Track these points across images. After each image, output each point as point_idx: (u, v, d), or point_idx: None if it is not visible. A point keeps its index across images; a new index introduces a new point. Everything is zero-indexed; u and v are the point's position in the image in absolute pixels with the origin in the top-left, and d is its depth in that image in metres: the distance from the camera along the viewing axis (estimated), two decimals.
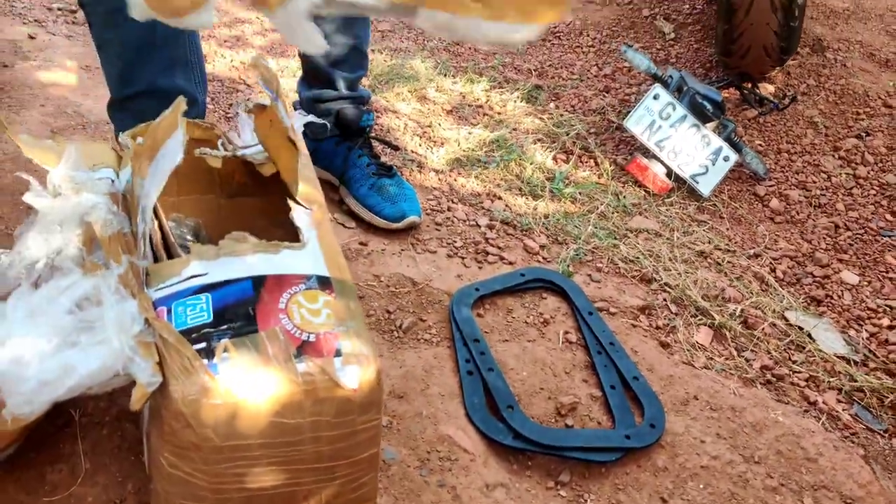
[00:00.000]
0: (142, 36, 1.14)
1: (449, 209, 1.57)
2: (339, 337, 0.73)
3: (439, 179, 1.67)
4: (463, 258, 1.44)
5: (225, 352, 0.69)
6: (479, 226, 1.54)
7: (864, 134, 1.94)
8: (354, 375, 0.72)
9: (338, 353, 0.72)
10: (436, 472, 0.99)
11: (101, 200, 0.82)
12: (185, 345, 0.68)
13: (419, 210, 1.46)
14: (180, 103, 0.80)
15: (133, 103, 1.18)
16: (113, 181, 0.87)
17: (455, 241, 1.48)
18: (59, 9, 2.34)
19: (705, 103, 1.71)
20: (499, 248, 1.46)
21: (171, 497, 0.75)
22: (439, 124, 1.86)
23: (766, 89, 2.08)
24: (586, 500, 1.01)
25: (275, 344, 0.70)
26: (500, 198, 1.62)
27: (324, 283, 0.78)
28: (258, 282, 0.75)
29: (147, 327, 0.69)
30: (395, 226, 1.43)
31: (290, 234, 0.82)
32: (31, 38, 2.01)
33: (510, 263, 1.42)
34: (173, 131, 0.77)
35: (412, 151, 1.74)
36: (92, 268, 0.76)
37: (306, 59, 1.45)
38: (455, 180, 1.67)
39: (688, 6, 2.45)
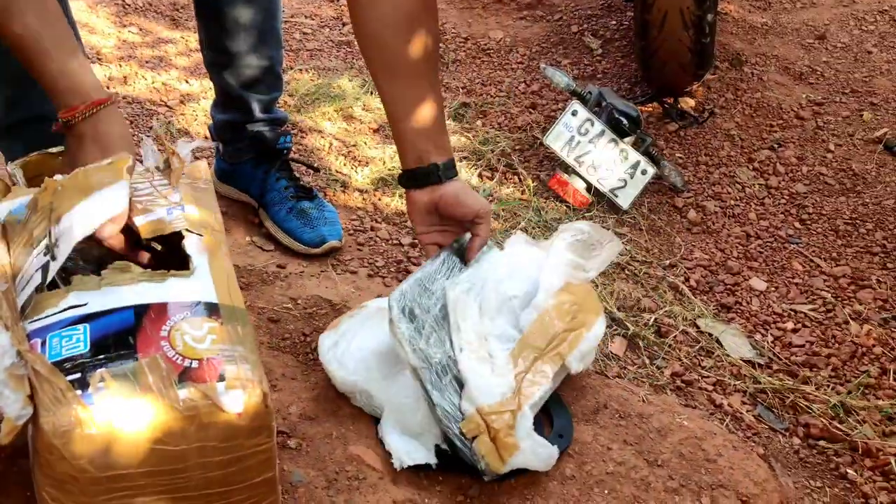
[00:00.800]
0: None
1: (372, 228, 1.59)
2: (224, 363, 0.74)
3: (363, 199, 1.69)
4: (384, 277, 1.46)
5: (101, 381, 0.69)
6: (402, 244, 1.56)
7: (776, 145, 2.02)
8: (239, 400, 0.73)
9: (221, 378, 0.73)
10: (343, 492, 1.00)
11: None
12: (57, 375, 0.68)
13: (339, 234, 1.48)
14: (127, 160, 0.81)
15: (22, 130, 1.17)
16: None
17: (377, 261, 1.50)
18: None
19: (622, 119, 1.76)
20: (420, 265, 1.48)
21: None
22: (365, 143, 1.88)
23: (687, 103, 2.16)
24: None
25: (155, 371, 0.71)
26: None
27: (211, 309, 0.79)
28: (140, 310, 0.75)
29: (19, 360, 0.69)
30: (314, 251, 1.44)
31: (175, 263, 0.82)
32: None
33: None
34: (116, 181, 0.78)
35: (336, 171, 1.76)
36: None
37: (219, 83, 1.46)
38: (379, 199, 1.70)
39: (614, 22, 2.53)
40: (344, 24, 2.48)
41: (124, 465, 0.70)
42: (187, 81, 2.06)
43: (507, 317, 1.18)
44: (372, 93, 2.06)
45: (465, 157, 1.88)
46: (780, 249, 1.71)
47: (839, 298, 1.57)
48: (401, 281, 1.43)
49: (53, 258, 0.76)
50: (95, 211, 0.78)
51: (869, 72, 2.30)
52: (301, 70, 2.18)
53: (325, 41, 2.37)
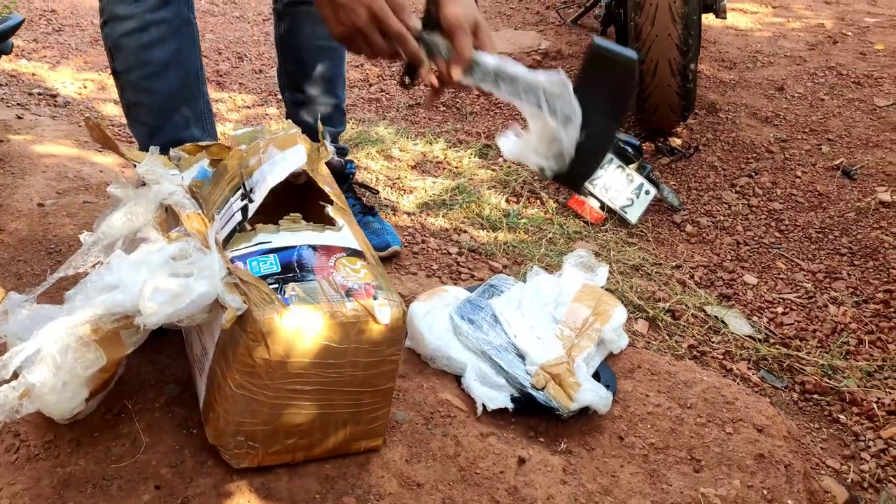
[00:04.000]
0: (167, 98, 1.40)
1: (423, 241, 1.86)
2: (374, 289, 0.97)
3: (411, 220, 1.97)
4: (440, 277, 1.72)
5: (293, 291, 0.91)
6: (450, 253, 1.83)
7: (753, 173, 2.36)
8: (387, 314, 0.95)
9: (374, 298, 0.95)
10: (439, 426, 1.23)
11: (177, 189, 1.04)
12: (262, 283, 0.90)
13: (399, 242, 1.75)
14: (296, 131, 1.04)
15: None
16: (182, 177, 1.10)
17: (432, 265, 1.76)
18: (39, 94, 2.57)
19: (627, 147, 2.09)
20: (469, 268, 1.75)
21: (231, 416, 0.93)
22: (406, 177, 2.17)
23: (675, 142, 2.50)
24: (560, 442, 1.26)
25: (330, 288, 0.93)
26: (465, 231, 1.93)
27: (358, 254, 1.02)
28: (312, 248, 0.98)
29: (230, 275, 0.90)
30: (381, 254, 1.70)
31: (321, 222, 1.07)
32: (19, 118, 2.19)
33: (480, 280, 1.71)
34: (294, 145, 1.01)
35: (385, 198, 2.04)
36: (175, 237, 0.95)
37: (296, 119, 1.74)
38: (425, 219, 1.97)
39: None
40: (371, 85, 2.82)
41: (304, 354, 0.91)
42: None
43: (545, 316, 1.46)
44: (406, 137, 2.37)
45: (493, 186, 2.17)
46: (766, 253, 2.01)
47: (818, 288, 1.86)
48: (453, 281, 1.70)
49: (251, 201, 0.99)
50: (283, 165, 1.01)
51: (823, 115, 2.69)
52: None
53: (357, 98, 2.69)
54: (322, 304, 0.92)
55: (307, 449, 1.01)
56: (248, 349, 0.90)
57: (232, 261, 0.95)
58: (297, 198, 1.24)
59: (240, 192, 1.02)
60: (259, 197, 0.99)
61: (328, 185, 1.17)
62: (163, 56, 1.33)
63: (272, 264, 0.96)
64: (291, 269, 0.95)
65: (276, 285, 0.92)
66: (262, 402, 0.93)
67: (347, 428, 1.02)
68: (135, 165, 1.10)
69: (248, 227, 1.01)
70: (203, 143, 1.23)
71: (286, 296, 0.91)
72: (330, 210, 1.09)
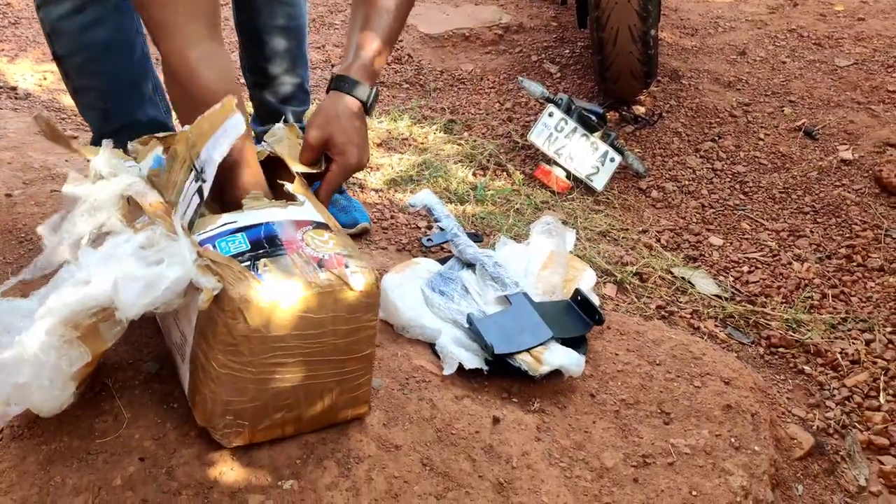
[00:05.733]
0: (114, 80, 1.38)
1: (392, 217, 1.86)
2: (345, 258, 0.99)
3: (379, 196, 1.97)
4: (410, 251, 1.72)
5: (265, 266, 0.92)
6: (419, 227, 1.84)
7: (717, 138, 2.39)
8: (360, 281, 0.96)
9: (346, 266, 0.97)
10: (415, 391, 1.25)
11: (137, 179, 1.03)
12: (234, 262, 0.91)
13: (368, 218, 1.75)
14: (233, 100, 1.01)
15: (116, 137, 1.42)
16: (140, 168, 1.10)
17: (402, 240, 1.77)
18: (0, 87, 2.54)
19: (591, 116, 2.10)
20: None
21: (218, 396, 0.94)
22: (372, 154, 2.17)
23: (638, 110, 2.52)
24: (534, 402, 1.28)
25: (301, 260, 0.95)
26: None
27: (324, 226, 1.04)
28: (278, 224, 1.00)
29: (200, 258, 0.91)
30: (349, 231, 1.70)
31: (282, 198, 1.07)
32: None
33: (450, 253, 1.72)
34: (231, 115, 1.00)
35: (352, 176, 2.04)
36: (141, 227, 0.95)
37: (259, 100, 1.73)
38: (393, 195, 1.97)
39: (568, 51, 2.91)
40: (333, 66, 2.80)
41: (283, 327, 0.92)
42: None
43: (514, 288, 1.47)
44: (371, 115, 2.36)
45: (459, 161, 2.18)
46: (730, 215, 2.04)
47: (782, 246, 1.90)
48: (423, 254, 1.71)
49: (204, 181, 0.99)
50: (224, 138, 1.00)
51: (785, 77, 2.73)
52: None
53: (320, 80, 2.67)
54: (295, 278, 0.93)
55: (296, 422, 1.02)
56: (227, 327, 0.91)
57: (201, 244, 0.96)
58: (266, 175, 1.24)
59: (192, 173, 1.02)
60: (210, 175, 1.00)
61: (290, 161, 1.17)
62: (105, 35, 1.30)
63: (241, 243, 0.96)
64: (261, 246, 0.96)
65: (248, 263, 0.93)
66: (247, 378, 0.94)
67: (333, 396, 1.03)
68: (89, 161, 1.09)
69: (204, 212, 1.01)
70: (160, 135, 1.22)
71: (259, 272, 0.92)
72: (290, 187, 1.10)
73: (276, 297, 0.92)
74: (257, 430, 1.00)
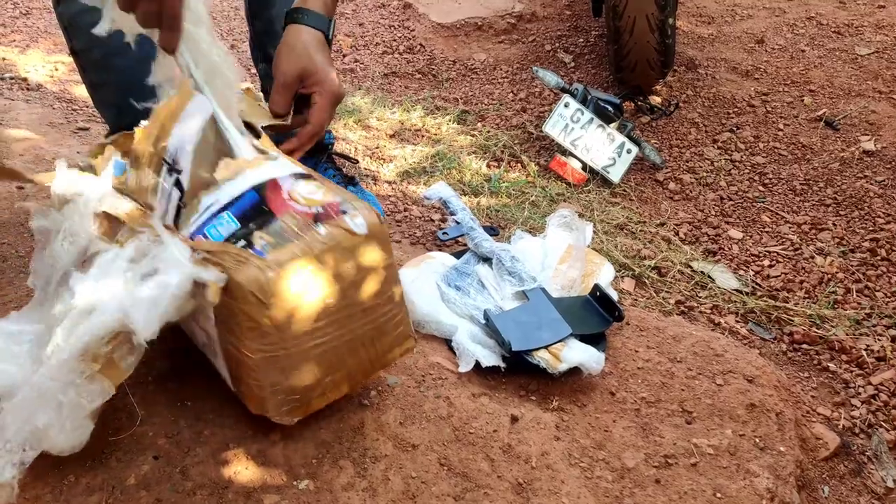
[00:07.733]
0: (131, 75, 1.36)
1: (406, 209, 1.83)
2: (339, 204, 0.93)
3: (392, 188, 1.94)
4: (424, 244, 1.70)
5: (262, 240, 0.87)
6: (433, 220, 1.81)
7: (735, 128, 2.35)
8: (362, 224, 0.91)
9: (343, 213, 0.91)
10: (431, 388, 1.22)
11: (105, 192, 0.98)
12: (229, 247, 0.86)
13: (381, 211, 1.72)
14: (188, 83, 0.97)
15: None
16: (102, 180, 1.03)
17: (415, 233, 1.74)
18: (11, 78, 2.52)
19: (607, 107, 2.06)
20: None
21: (263, 381, 0.90)
22: (385, 146, 2.14)
23: (655, 100, 2.48)
24: (552, 400, 1.26)
25: (295, 221, 0.89)
26: None
27: (305, 176, 0.97)
28: (258, 188, 0.93)
29: (195, 253, 0.86)
30: None
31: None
32: None
33: (465, 246, 1.69)
34: (192, 97, 0.94)
35: (365, 168, 2.01)
36: (125, 239, 0.91)
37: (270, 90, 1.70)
38: (407, 188, 1.94)
39: (582, 40, 2.86)
40: (344, 56, 2.77)
41: (301, 294, 0.87)
42: None
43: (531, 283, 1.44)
44: (383, 106, 2.33)
45: (473, 152, 2.15)
46: (750, 207, 2.00)
47: (804, 240, 1.86)
48: (437, 248, 1.68)
49: (179, 172, 0.94)
50: (191, 121, 0.96)
51: (805, 66, 2.67)
52: None
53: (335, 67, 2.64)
54: (296, 242, 0.88)
55: (348, 379, 0.98)
56: (245, 314, 0.87)
57: (190, 237, 0.92)
58: None
59: (164, 168, 0.98)
60: (186, 164, 0.94)
61: (255, 118, 1.10)
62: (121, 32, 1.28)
63: (229, 222, 0.91)
64: (251, 219, 0.90)
65: (243, 242, 0.88)
66: (283, 356, 0.90)
67: (374, 344, 0.99)
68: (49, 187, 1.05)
69: (186, 203, 0.97)
70: (109, 139, 1.16)
71: (257, 248, 0.87)
72: (258, 143, 1.03)
73: (283, 269, 0.86)
74: (312, 400, 0.96)
